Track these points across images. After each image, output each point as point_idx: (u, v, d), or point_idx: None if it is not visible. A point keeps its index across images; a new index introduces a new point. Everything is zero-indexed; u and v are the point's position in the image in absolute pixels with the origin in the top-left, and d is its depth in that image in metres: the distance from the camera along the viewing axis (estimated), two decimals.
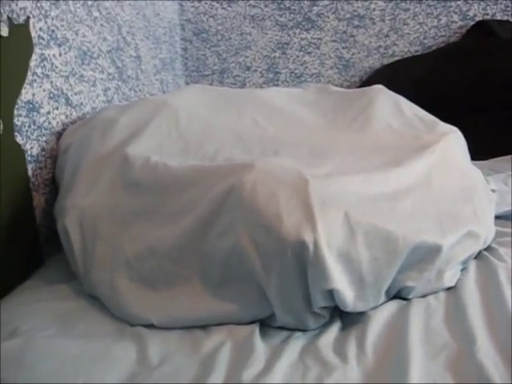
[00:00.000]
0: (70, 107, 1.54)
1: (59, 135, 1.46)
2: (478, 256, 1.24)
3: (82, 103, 1.60)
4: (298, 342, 0.98)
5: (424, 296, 1.09)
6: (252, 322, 1.03)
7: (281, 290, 0.98)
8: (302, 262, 0.96)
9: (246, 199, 1.02)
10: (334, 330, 1.01)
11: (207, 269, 1.06)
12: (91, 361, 0.91)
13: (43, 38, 1.41)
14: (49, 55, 1.44)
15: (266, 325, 1.03)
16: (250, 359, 0.91)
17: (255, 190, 1.02)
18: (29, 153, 1.35)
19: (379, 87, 1.59)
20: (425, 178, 1.23)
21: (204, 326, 1.01)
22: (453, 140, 1.41)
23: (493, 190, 1.52)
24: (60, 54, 1.49)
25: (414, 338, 0.95)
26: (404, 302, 1.07)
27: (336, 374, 0.87)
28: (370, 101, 1.51)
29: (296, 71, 2.58)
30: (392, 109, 1.50)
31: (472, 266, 1.20)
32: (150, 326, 1.02)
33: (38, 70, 1.39)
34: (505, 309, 1.00)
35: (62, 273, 1.23)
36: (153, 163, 1.19)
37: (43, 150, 1.40)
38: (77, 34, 1.59)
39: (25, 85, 1.32)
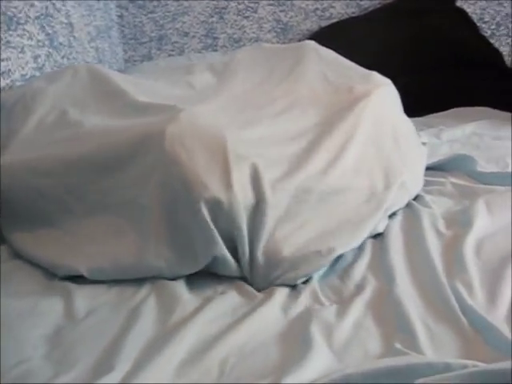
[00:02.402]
0: None
1: None
2: (407, 204, 1.28)
3: (10, 70, 1.57)
4: (229, 294, 0.99)
5: None
6: None
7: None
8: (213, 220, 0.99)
9: (166, 150, 1.04)
10: None
11: (139, 219, 1.07)
12: (18, 318, 0.91)
13: None
14: None
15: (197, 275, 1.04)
16: (176, 308, 0.92)
17: (175, 143, 1.05)
18: None
19: (312, 42, 1.60)
20: (354, 134, 1.25)
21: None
22: (385, 92, 1.43)
23: (424, 143, 1.57)
24: None
25: None
26: None
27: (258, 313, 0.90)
28: (305, 54, 1.51)
29: (234, 36, 2.56)
30: (327, 61, 1.51)
31: (399, 212, 1.24)
32: (79, 281, 1.02)
33: None
34: (425, 251, 1.06)
35: None
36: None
37: None
38: None
39: None
